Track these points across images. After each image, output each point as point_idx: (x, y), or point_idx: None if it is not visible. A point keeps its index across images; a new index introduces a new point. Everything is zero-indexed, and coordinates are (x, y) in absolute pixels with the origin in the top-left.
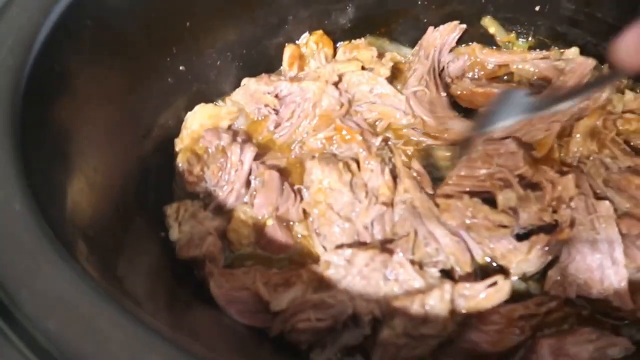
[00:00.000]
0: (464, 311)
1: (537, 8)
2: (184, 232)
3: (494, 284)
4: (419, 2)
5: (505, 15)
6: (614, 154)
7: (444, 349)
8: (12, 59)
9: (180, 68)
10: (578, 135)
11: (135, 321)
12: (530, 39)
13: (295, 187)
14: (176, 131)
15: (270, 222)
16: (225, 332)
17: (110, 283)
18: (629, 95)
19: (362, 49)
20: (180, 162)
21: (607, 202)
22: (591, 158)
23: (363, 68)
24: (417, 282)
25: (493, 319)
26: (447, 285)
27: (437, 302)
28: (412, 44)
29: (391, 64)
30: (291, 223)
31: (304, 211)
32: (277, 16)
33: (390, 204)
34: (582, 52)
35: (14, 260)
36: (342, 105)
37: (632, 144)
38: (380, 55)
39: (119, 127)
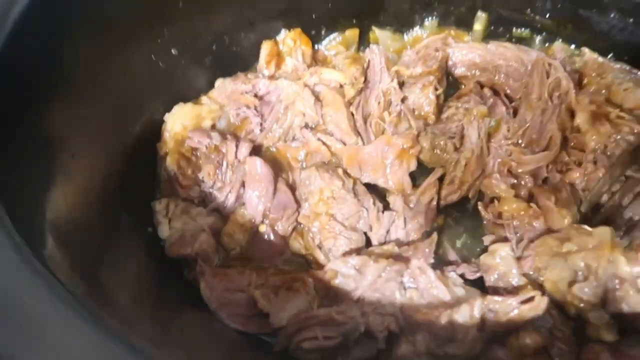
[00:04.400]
0: (492, 328)
1: None
2: (174, 229)
3: (530, 299)
4: None
5: None
6: (632, 128)
7: None
8: None
9: (173, 52)
10: (585, 124)
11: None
12: None
13: (298, 191)
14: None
15: (263, 228)
16: (216, 337)
17: (88, 289)
18: (588, 54)
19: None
20: (170, 165)
21: None
22: (612, 139)
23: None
24: (441, 292)
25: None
26: (478, 301)
27: (466, 319)
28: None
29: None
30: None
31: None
32: (253, 8)
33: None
34: None
35: None
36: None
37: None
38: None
39: (103, 112)
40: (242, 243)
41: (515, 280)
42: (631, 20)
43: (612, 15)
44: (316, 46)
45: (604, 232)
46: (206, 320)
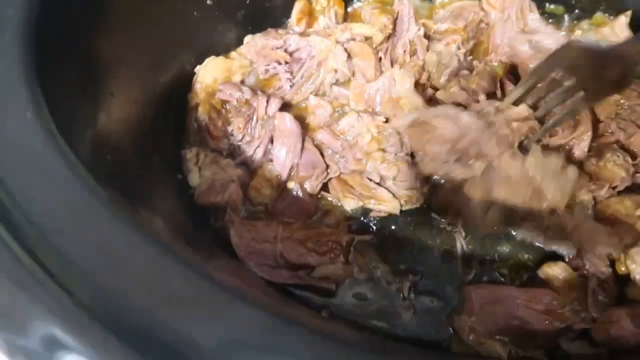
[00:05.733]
0: None
1: None
2: (204, 177)
3: None
4: None
5: None
6: None
7: None
8: None
9: (208, 2)
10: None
11: (157, 244)
12: None
13: (328, 150)
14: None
15: (292, 185)
16: (247, 282)
17: (129, 212)
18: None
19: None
20: (202, 115)
21: None
22: (625, 106)
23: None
24: None
25: None
26: None
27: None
28: None
29: None
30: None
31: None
32: None
33: None
34: None
35: (25, 172)
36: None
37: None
38: None
39: (139, 56)
40: (269, 198)
41: None
42: None
43: None
44: (350, 5)
45: None
46: (236, 265)
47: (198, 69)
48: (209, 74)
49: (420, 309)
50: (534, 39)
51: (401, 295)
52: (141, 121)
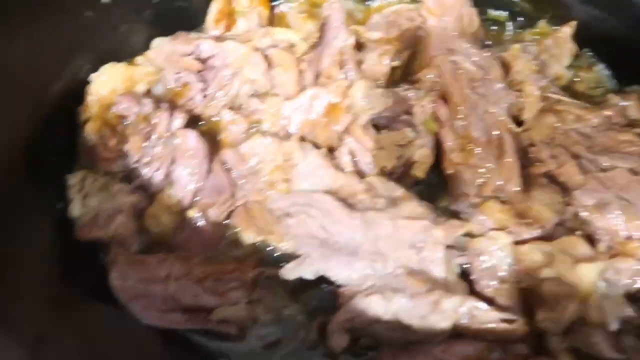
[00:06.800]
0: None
1: None
2: (88, 208)
3: (511, 321)
4: None
5: None
6: (578, 114)
7: None
8: None
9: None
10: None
11: None
12: None
13: (234, 172)
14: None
15: (192, 213)
16: (124, 333)
17: None
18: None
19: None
20: (91, 134)
21: None
22: (561, 131)
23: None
24: (436, 270)
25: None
26: (471, 300)
27: (450, 308)
28: None
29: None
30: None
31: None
32: None
33: None
34: None
35: None
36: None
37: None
38: None
39: (14, 65)
40: (168, 227)
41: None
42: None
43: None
44: (277, 7)
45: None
46: (113, 314)
47: (92, 77)
48: (106, 83)
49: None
50: (457, 59)
51: (308, 338)
52: (12, 143)
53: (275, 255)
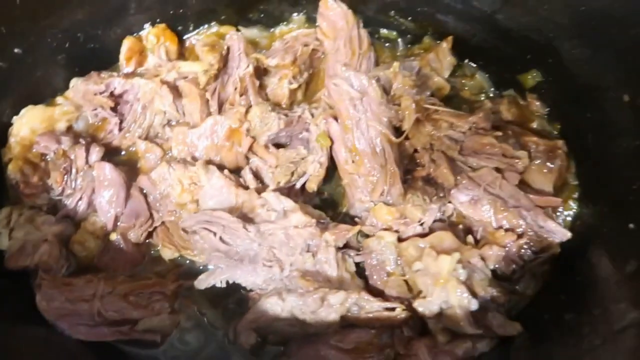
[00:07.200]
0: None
1: None
2: (15, 239)
3: (392, 309)
4: None
5: None
6: (451, 122)
7: None
8: None
9: (15, 51)
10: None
11: None
12: None
13: (151, 196)
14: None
15: (114, 236)
16: (55, 350)
17: None
18: (395, 64)
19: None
20: (12, 173)
21: None
22: (436, 137)
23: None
24: (330, 269)
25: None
26: (354, 294)
27: (336, 303)
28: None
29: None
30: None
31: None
32: (107, 4)
33: None
34: None
35: None
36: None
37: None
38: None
39: None
40: (93, 251)
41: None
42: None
43: (465, 23)
44: (187, 40)
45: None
46: (45, 334)
47: (14, 119)
48: (26, 125)
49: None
50: (338, 82)
51: (226, 339)
52: None
53: (195, 267)
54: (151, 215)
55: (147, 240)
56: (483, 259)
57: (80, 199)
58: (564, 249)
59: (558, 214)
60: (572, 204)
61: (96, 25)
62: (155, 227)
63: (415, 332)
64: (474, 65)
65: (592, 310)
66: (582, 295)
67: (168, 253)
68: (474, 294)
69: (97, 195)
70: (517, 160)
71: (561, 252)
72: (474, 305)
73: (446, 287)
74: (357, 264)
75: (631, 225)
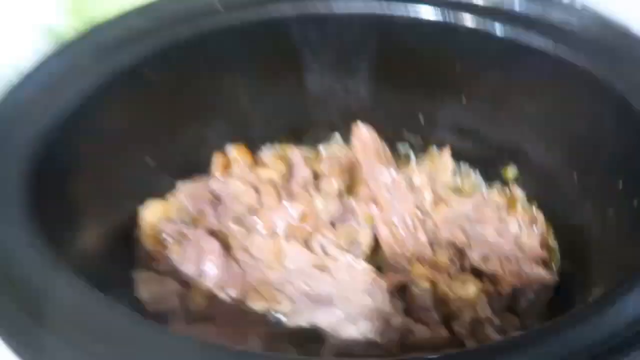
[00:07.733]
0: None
1: None
2: (150, 292)
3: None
4: None
5: None
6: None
7: None
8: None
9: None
10: None
11: None
12: None
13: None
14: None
15: (221, 293)
16: None
17: None
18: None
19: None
20: (147, 246)
21: None
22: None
23: None
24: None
25: None
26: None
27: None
28: None
29: None
30: None
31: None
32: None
33: None
34: None
35: None
36: None
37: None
38: None
39: (99, 197)
40: (203, 306)
41: None
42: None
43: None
44: (257, 154)
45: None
46: None
47: (141, 209)
48: (150, 213)
49: None
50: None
51: None
52: (96, 255)
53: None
54: (244, 276)
55: (242, 297)
56: None
57: (190, 265)
58: None
59: None
60: None
61: (199, 148)
62: (248, 285)
63: None
64: (468, 166)
65: None
66: None
67: (258, 305)
68: None
69: (203, 262)
70: None
71: None
72: None
73: None
74: None
75: None
